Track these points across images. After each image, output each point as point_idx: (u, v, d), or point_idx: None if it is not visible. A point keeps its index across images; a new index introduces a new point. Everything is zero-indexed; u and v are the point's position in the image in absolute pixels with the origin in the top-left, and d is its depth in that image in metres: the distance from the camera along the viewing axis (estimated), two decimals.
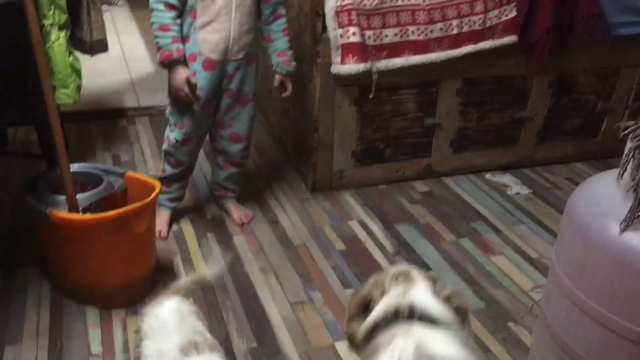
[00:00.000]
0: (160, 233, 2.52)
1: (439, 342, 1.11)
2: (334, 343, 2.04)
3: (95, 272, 2.09)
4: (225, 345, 2.01)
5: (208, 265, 1.74)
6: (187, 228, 2.64)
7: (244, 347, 2.01)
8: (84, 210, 2.06)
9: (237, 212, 2.70)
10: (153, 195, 2.07)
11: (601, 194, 1.43)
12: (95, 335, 2.03)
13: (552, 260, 1.60)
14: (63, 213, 1.98)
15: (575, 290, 1.44)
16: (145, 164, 3.15)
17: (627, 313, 1.32)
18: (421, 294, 1.21)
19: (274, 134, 3.48)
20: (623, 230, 1.31)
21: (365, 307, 1.22)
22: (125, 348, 1.98)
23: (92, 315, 2.12)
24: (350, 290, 2.28)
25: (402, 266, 1.32)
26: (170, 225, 2.62)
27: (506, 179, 3.12)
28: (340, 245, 2.56)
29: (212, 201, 2.82)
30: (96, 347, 1.98)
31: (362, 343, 1.19)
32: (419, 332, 1.13)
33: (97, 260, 2.06)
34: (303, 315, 2.17)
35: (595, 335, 1.39)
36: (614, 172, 1.49)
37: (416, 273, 1.27)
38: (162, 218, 2.56)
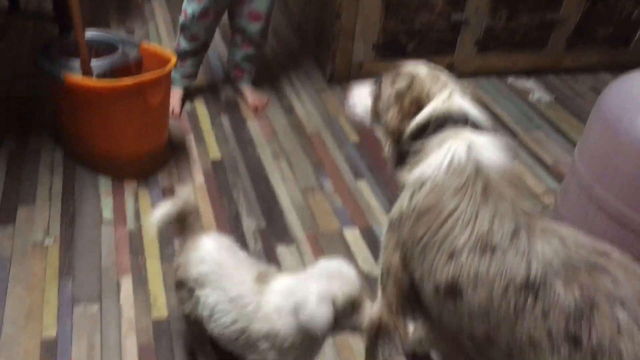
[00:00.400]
0: (173, 110, 2.49)
1: (489, 147, 1.15)
2: (342, 230, 2.06)
3: (108, 141, 2.08)
4: (235, 223, 2.03)
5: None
6: (200, 108, 2.60)
7: (253, 226, 2.04)
8: (98, 78, 2.01)
9: (251, 95, 2.65)
10: (169, 66, 2.01)
11: (636, 89, 1.38)
12: (107, 203, 2.05)
13: (573, 156, 1.57)
14: (77, 77, 1.94)
15: (595, 186, 1.42)
16: (160, 41, 3.07)
17: None
18: (463, 99, 1.22)
19: (293, 21, 3.36)
20: None
21: (418, 107, 1.22)
22: (137, 217, 2.01)
23: (105, 183, 2.13)
24: (362, 182, 2.28)
25: (426, 66, 1.29)
26: (182, 103, 2.58)
27: (529, 84, 3.03)
28: (354, 137, 2.53)
29: (228, 84, 2.77)
30: (108, 214, 2.01)
31: (408, 140, 1.20)
32: (471, 136, 1.15)
33: (110, 129, 2.05)
34: (313, 201, 2.18)
35: (610, 232, 1.39)
36: None
37: (446, 76, 1.27)
38: (174, 96, 2.52)
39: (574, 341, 0.96)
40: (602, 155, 1.40)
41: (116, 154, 2.10)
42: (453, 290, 1.08)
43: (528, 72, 3.09)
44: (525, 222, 1.05)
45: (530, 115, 2.79)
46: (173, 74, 2.42)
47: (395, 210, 1.21)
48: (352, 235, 2.04)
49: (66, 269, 1.80)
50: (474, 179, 1.09)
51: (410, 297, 1.23)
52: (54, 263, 1.81)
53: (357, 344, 1.66)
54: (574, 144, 2.58)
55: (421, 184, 1.14)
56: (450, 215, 1.08)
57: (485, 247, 1.03)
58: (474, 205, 1.07)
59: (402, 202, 1.19)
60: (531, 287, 1.00)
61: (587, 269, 0.98)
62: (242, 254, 1.44)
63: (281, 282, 1.31)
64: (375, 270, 1.47)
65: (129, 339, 1.62)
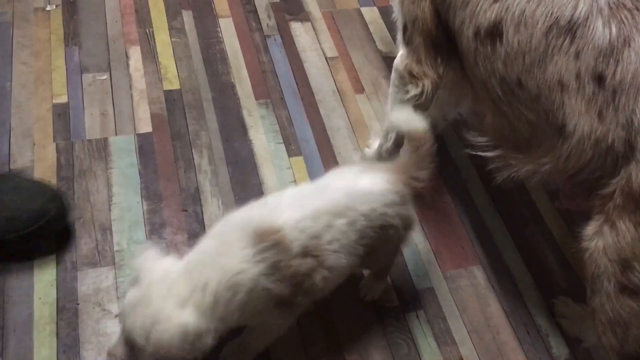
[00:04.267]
0: None
1: None
2: (360, 7, 1.94)
3: None
4: None
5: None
6: None
7: (266, 0, 1.91)
8: None
9: None
10: None
11: None
12: None
13: None
14: None
15: None
16: None
17: None
18: None
19: None
20: None
21: None
22: None
23: None
24: None
25: None
26: None
27: None
28: None
29: None
30: None
31: None
32: None
33: None
34: None
35: None
36: None
37: None
38: None
39: (599, 79, 0.96)
40: None
41: None
42: (494, 33, 1.04)
43: None
44: None
45: None
46: None
47: None
48: (371, 14, 1.92)
49: (71, 36, 1.72)
50: None
51: (441, 46, 1.18)
52: (58, 30, 1.72)
53: (372, 122, 1.64)
54: None
55: None
56: None
57: None
58: None
59: None
60: (572, 28, 0.97)
61: (633, 5, 0.95)
62: None
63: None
64: (394, 51, 1.39)
65: (141, 108, 1.59)
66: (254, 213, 1.07)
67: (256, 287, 0.98)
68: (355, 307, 1.30)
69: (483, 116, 1.17)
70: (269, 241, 0.99)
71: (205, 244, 1.05)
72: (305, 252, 1.02)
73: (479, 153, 1.19)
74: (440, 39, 1.17)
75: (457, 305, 1.33)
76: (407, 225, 1.17)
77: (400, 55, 1.28)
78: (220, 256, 0.99)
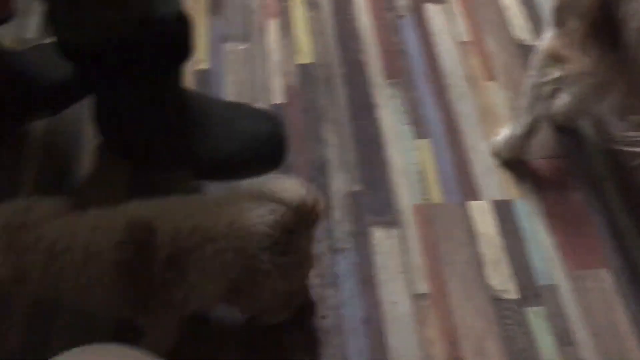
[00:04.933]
0: None
1: None
2: None
3: None
4: None
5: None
6: None
7: None
8: None
9: None
10: None
11: None
12: None
13: None
14: None
15: None
16: None
17: None
18: None
19: None
20: None
21: None
22: None
23: None
24: None
25: None
26: None
27: None
28: None
29: None
30: None
31: None
32: None
33: None
34: None
35: None
36: None
37: None
38: None
39: None
40: None
41: None
42: None
43: None
44: None
45: None
46: None
47: None
48: None
49: (215, 6, 1.80)
50: None
51: (598, 34, 1.13)
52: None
53: (503, 111, 1.61)
54: None
55: None
56: None
57: None
58: None
59: None
60: None
61: None
62: None
63: None
64: (531, 39, 1.35)
65: (276, 79, 1.65)
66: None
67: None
68: (473, 295, 1.29)
69: (636, 110, 1.12)
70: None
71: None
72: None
73: (629, 148, 1.14)
74: (600, 27, 1.12)
75: (580, 307, 1.29)
76: (283, 276, 0.99)
77: (548, 37, 1.25)
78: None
